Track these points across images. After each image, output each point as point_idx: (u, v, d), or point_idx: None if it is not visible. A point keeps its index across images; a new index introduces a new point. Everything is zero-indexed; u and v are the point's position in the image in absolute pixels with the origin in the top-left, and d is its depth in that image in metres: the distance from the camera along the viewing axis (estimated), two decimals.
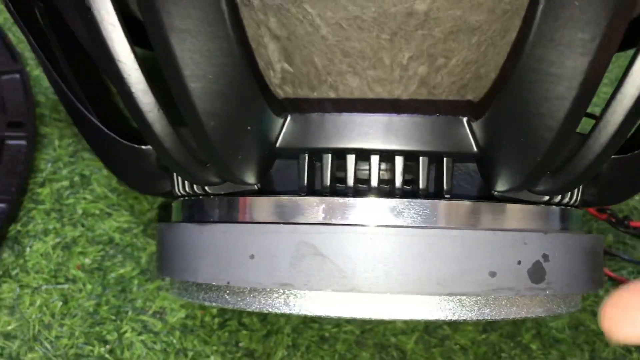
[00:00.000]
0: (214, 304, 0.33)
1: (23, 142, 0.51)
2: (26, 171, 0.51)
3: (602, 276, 0.36)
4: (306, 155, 0.31)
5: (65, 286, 0.50)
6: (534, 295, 0.32)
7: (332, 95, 0.33)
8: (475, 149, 0.31)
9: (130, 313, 0.50)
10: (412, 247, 0.30)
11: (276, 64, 0.32)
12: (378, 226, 0.30)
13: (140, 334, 0.50)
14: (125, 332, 0.50)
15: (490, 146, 0.30)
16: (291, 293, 0.31)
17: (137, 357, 0.50)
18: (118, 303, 0.50)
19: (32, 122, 0.52)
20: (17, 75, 0.53)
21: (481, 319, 0.31)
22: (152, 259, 0.51)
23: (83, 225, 0.52)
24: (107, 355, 0.49)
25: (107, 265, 0.51)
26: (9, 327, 0.49)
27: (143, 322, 0.50)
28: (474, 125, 0.31)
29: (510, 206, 0.32)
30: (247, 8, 0.30)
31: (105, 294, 0.50)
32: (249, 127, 0.30)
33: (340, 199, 0.31)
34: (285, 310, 0.31)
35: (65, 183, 0.53)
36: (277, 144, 0.31)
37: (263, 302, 0.31)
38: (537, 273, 0.31)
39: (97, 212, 0.52)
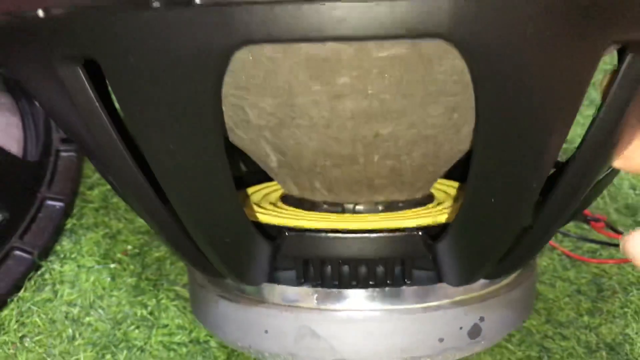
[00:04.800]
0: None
1: (74, 154, 0.59)
2: (78, 177, 0.59)
3: (532, 305, 0.44)
4: (301, 260, 0.39)
5: (113, 266, 0.59)
6: (472, 347, 0.41)
7: (319, 180, 0.40)
8: (430, 256, 0.38)
9: (165, 285, 0.60)
10: (382, 325, 0.38)
11: (272, 155, 0.39)
12: (358, 310, 0.39)
13: (173, 300, 0.60)
14: (162, 299, 0.59)
15: (442, 256, 0.38)
16: None
17: (171, 317, 0.59)
18: (155, 278, 0.60)
19: None
20: None
21: None
22: None
23: (125, 219, 0.60)
24: (148, 316, 0.59)
25: (145, 250, 0.60)
26: (71, 297, 0.59)
27: (176, 291, 0.60)
28: (430, 241, 0.38)
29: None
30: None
31: (145, 272, 0.60)
32: (249, 255, 0.37)
33: (329, 290, 0.39)
34: None
35: (110, 187, 0.60)
36: (277, 257, 0.38)
37: None
38: (474, 332, 0.40)
39: None
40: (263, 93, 0.33)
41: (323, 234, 0.38)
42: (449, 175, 0.45)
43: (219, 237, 0.35)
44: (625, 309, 0.64)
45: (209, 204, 0.32)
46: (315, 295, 0.39)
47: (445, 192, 0.48)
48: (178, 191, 0.32)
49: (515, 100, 0.25)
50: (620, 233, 0.67)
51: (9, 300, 0.56)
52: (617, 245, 0.66)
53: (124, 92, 0.27)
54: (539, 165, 0.29)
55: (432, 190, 0.46)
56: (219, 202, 0.32)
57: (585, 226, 0.65)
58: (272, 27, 0.23)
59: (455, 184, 0.49)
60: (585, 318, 0.63)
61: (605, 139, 0.30)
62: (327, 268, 0.39)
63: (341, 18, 0.22)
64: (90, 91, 0.29)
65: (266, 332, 0.39)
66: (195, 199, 0.32)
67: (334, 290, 0.39)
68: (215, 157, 0.30)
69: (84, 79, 0.28)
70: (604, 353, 0.61)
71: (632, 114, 0.29)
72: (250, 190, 0.50)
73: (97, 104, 0.29)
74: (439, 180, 0.48)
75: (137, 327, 0.57)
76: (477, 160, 0.29)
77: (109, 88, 0.29)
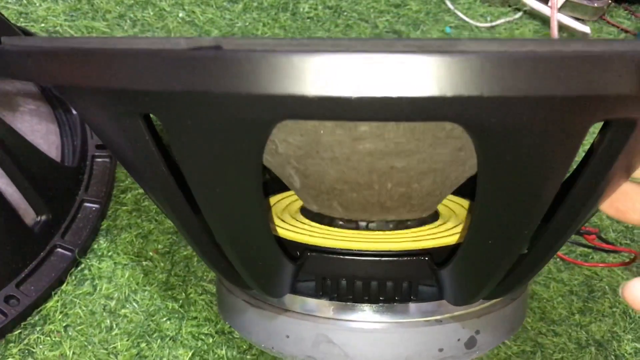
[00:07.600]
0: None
1: (107, 160, 0.62)
2: (111, 181, 0.63)
3: (524, 317, 0.48)
4: (320, 276, 0.43)
5: (145, 263, 0.63)
6: (468, 356, 0.45)
7: (337, 201, 0.43)
8: (433, 278, 0.42)
9: (193, 280, 0.64)
10: (389, 336, 0.42)
11: (296, 177, 0.42)
12: (368, 322, 0.43)
13: (201, 294, 0.64)
14: (190, 293, 0.64)
15: (444, 280, 0.42)
16: None
17: (199, 310, 0.64)
18: (183, 274, 0.64)
19: None
20: None
21: None
22: None
23: (156, 221, 0.64)
24: (178, 309, 0.63)
25: (174, 249, 0.64)
26: (109, 291, 0.63)
27: (203, 286, 0.64)
28: (434, 266, 0.42)
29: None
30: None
31: (174, 269, 0.64)
32: (276, 274, 0.41)
33: (344, 303, 0.43)
34: None
35: (142, 190, 0.64)
36: (298, 274, 0.42)
37: None
38: (470, 343, 0.44)
39: None
40: (292, 132, 0.37)
41: (340, 256, 0.42)
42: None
43: (252, 259, 0.39)
44: (614, 309, 0.67)
45: (246, 237, 0.36)
46: (332, 307, 0.43)
47: (449, 208, 0.52)
48: (219, 224, 0.35)
49: (513, 167, 0.29)
50: (610, 243, 0.70)
51: (53, 293, 0.60)
52: (607, 251, 0.70)
53: (179, 143, 0.31)
54: (533, 215, 0.33)
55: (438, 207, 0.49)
56: (254, 236, 0.36)
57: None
58: (308, 110, 0.26)
59: (458, 199, 0.53)
60: (577, 316, 0.66)
61: (593, 188, 0.33)
62: (342, 284, 0.43)
63: (368, 104, 0.26)
64: (148, 139, 0.32)
65: (287, 336, 0.44)
66: (234, 232, 0.36)
67: (348, 303, 0.43)
68: (255, 205, 0.34)
69: (144, 130, 0.32)
70: (593, 349, 0.64)
71: (617, 168, 0.32)
72: (272, 200, 0.54)
73: (153, 149, 0.33)
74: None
75: (169, 319, 0.62)
76: (479, 210, 0.33)
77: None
